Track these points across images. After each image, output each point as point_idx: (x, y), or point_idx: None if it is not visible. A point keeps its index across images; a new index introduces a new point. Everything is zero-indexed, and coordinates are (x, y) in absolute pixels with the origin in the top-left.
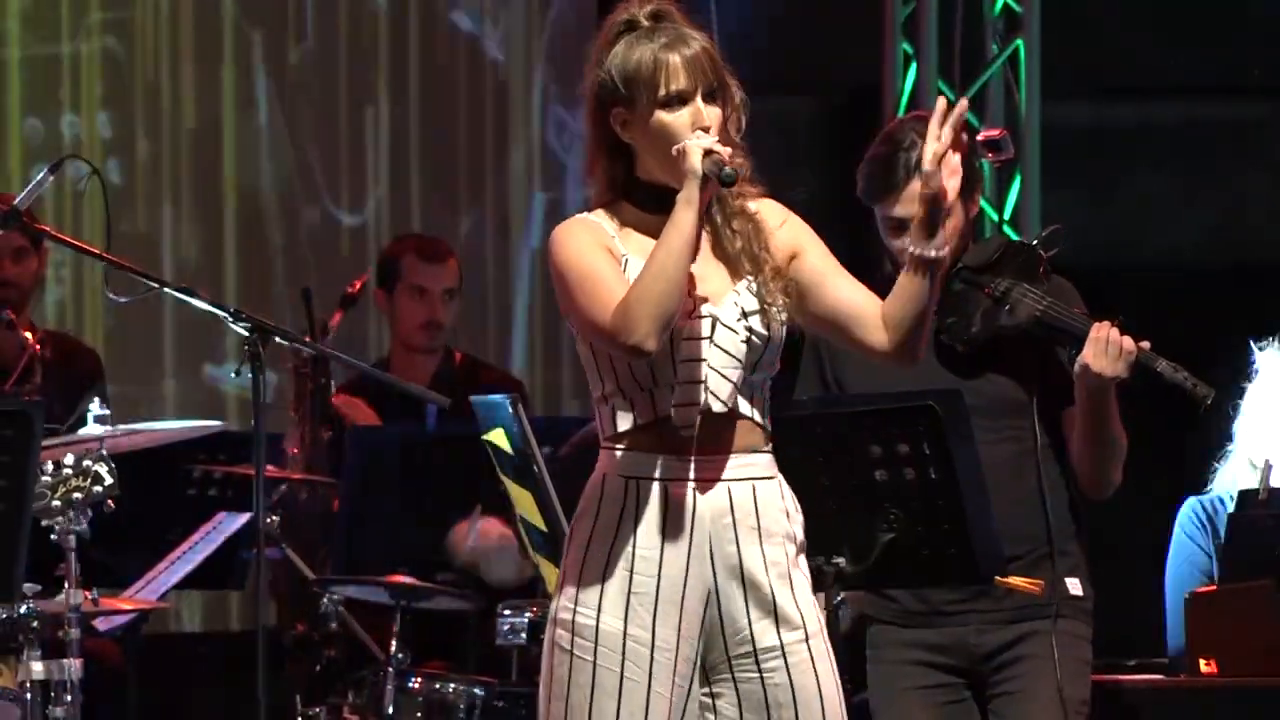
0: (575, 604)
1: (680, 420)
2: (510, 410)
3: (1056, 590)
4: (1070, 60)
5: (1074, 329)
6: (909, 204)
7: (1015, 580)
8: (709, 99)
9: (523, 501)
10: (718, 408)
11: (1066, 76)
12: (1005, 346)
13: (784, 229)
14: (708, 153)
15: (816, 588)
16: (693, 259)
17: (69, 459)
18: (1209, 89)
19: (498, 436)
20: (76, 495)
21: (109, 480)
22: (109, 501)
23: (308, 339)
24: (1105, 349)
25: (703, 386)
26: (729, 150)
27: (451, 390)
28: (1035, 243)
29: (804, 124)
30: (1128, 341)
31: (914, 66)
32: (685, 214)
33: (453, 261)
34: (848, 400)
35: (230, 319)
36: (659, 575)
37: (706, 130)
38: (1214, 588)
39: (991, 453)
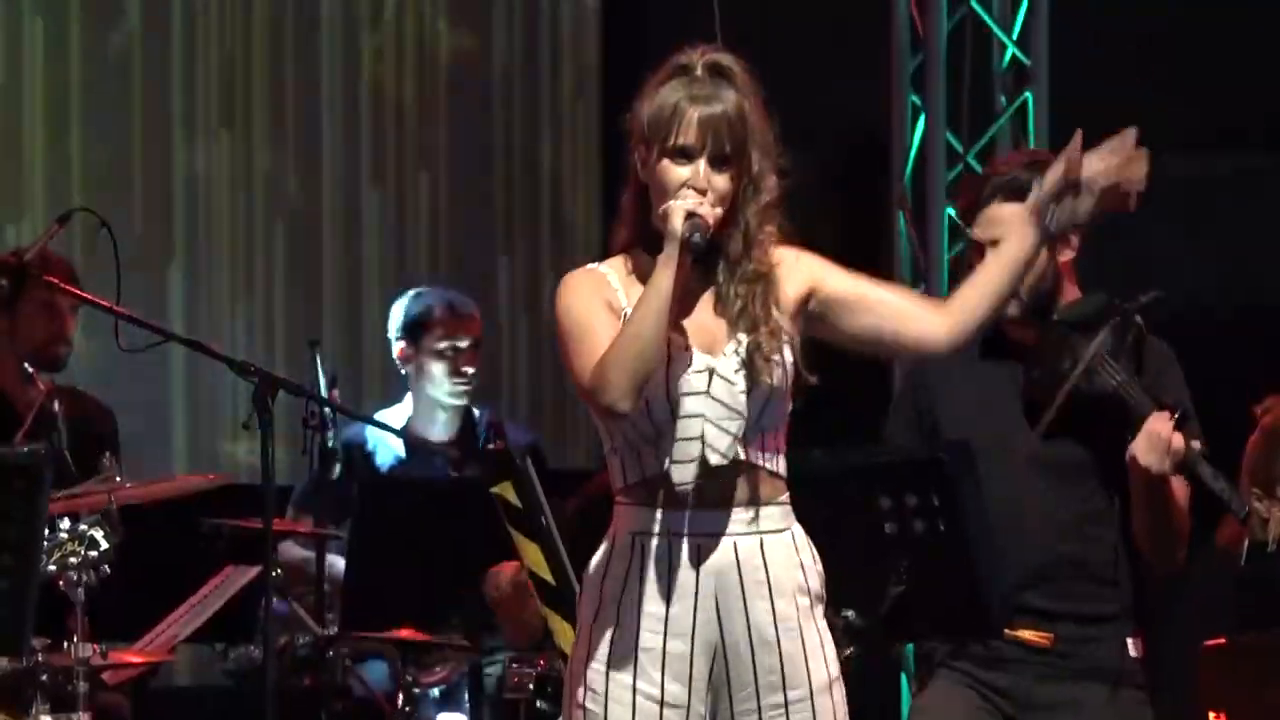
0: (588, 659)
1: (676, 477)
2: (519, 463)
3: (1119, 653)
4: (1079, 112)
5: (1137, 412)
6: (987, 227)
7: (1025, 633)
8: (719, 163)
9: (530, 554)
10: (715, 460)
11: (1075, 128)
12: (1087, 408)
13: (797, 271)
14: (690, 215)
15: None
16: (677, 316)
17: (65, 523)
18: (1216, 141)
19: (506, 489)
20: (72, 560)
21: (104, 545)
22: (105, 566)
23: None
24: (1153, 443)
25: (700, 441)
26: (715, 213)
27: (472, 445)
28: (1134, 307)
29: (812, 174)
30: (1177, 439)
31: (922, 118)
32: (663, 275)
33: (476, 314)
34: (857, 453)
35: (237, 371)
36: (665, 631)
37: (703, 193)
38: (1224, 640)
39: (1059, 510)
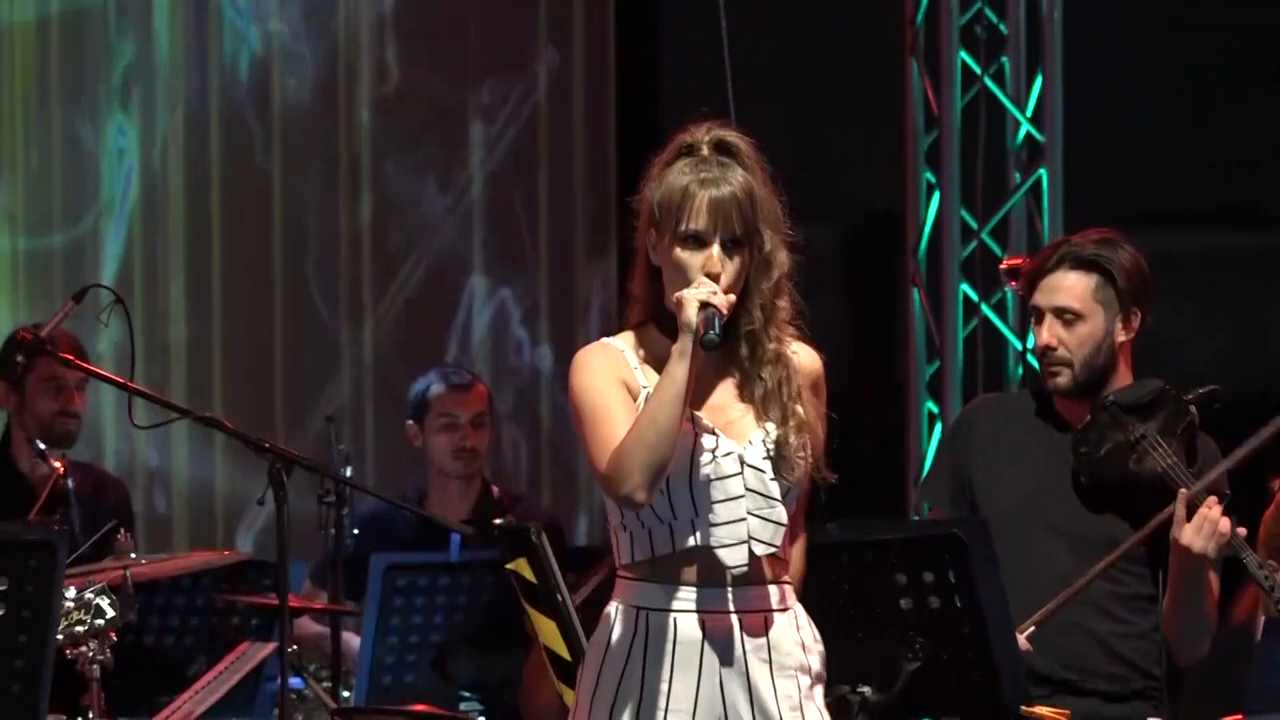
0: None
1: (730, 561)
2: (534, 539)
3: None
4: (1093, 189)
5: (1186, 490)
6: (1049, 294)
7: (1041, 709)
8: (730, 247)
9: (546, 630)
10: (763, 550)
11: (1089, 205)
12: (1134, 490)
13: (818, 395)
14: (704, 305)
15: (841, 716)
16: (696, 395)
17: (70, 593)
18: (1231, 218)
19: (521, 565)
20: (79, 629)
21: (110, 613)
22: (111, 634)
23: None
24: (1201, 525)
25: (745, 525)
26: (729, 299)
27: (487, 523)
28: (1191, 398)
29: (827, 251)
30: (1224, 524)
31: (936, 195)
32: (678, 367)
33: (480, 387)
34: (873, 528)
35: (252, 448)
36: (667, 707)
37: (716, 278)
38: (1240, 717)
39: (1100, 588)
